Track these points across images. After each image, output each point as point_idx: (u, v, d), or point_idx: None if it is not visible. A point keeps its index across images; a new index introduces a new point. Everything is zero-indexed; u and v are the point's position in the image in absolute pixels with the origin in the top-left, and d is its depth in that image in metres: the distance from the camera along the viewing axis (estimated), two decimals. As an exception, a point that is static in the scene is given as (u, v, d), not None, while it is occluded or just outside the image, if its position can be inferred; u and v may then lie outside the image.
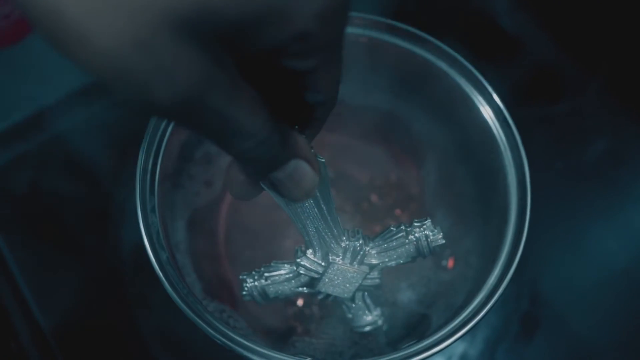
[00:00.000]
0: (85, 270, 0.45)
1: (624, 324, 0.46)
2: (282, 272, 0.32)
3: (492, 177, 0.36)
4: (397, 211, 0.45)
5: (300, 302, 0.42)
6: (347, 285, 0.31)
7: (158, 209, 0.34)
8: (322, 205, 0.29)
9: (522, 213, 0.33)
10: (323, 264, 0.31)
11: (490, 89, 0.37)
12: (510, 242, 0.33)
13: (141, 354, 0.43)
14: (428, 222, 0.32)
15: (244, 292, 0.33)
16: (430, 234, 0.31)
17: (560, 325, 0.45)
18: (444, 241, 0.31)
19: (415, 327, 0.38)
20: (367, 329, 0.34)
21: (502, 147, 0.36)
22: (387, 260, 0.32)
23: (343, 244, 0.31)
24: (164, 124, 0.35)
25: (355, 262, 0.31)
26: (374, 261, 0.32)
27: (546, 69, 0.54)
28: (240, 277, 0.33)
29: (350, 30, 0.38)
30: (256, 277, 0.33)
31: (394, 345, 0.36)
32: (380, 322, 0.34)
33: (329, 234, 0.30)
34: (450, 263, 0.41)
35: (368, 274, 0.32)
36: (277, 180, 0.24)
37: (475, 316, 0.31)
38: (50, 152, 0.49)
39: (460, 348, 0.43)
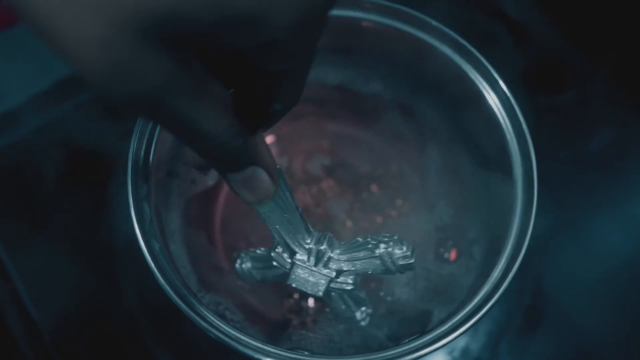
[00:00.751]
0: (80, 264, 0.45)
1: (628, 317, 0.45)
2: (265, 258, 0.32)
3: (497, 166, 0.36)
4: (398, 201, 0.44)
5: (296, 295, 0.41)
6: (315, 285, 0.31)
7: (151, 198, 0.33)
8: (284, 210, 0.29)
9: (528, 204, 0.33)
10: (289, 261, 0.31)
11: (496, 75, 0.35)
12: (515, 234, 0.32)
13: (136, 347, 0.42)
14: (395, 238, 0.30)
15: (237, 271, 0.34)
16: (398, 252, 0.30)
17: (564, 319, 0.44)
18: (412, 260, 0.30)
19: (416, 321, 0.38)
20: (350, 322, 0.34)
21: (508, 136, 0.35)
22: (353, 269, 0.31)
23: (307, 247, 0.30)
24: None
25: (320, 265, 0.31)
26: (343, 267, 0.31)
27: (551, 57, 0.53)
28: (233, 254, 0.34)
29: (351, 13, 0.38)
30: (244, 260, 0.33)
31: (394, 340, 0.36)
32: (359, 318, 0.33)
33: (292, 236, 0.30)
34: (452, 255, 0.41)
35: (335, 278, 0.31)
36: (233, 181, 0.25)
37: (479, 310, 0.30)
38: (42, 139, 0.48)
39: (461, 342, 0.43)
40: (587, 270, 0.46)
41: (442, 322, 0.30)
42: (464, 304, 0.31)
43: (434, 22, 0.37)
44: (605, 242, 0.47)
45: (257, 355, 0.28)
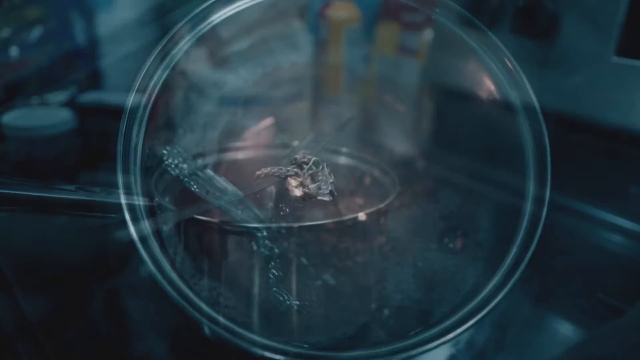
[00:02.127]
0: (73, 250, 0.44)
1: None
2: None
3: (507, 147, 0.34)
4: (401, 187, 0.43)
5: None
6: None
7: (143, 181, 0.32)
8: None
9: (541, 187, 0.31)
10: None
11: (505, 51, 0.34)
12: (528, 219, 0.30)
13: (127, 338, 0.41)
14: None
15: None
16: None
17: (572, 310, 0.43)
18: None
19: (420, 314, 0.36)
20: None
21: (519, 116, 0.33)
22: None
23: None
24: (147, 92, 0.33)
25: None
26: None
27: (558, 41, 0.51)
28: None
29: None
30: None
31: (396, 333, 0.34)
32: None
33: None
34: (458, 244, 0.39)
35: None
36: None
37: (490, 302, 0.28)
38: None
39: (466, 334, 0.41)
40: (596, 259, 0.45)
41: (449, 315, 0.29)
42: (471, 296, 0.30)
43: (442, -2, 0.35)
44: (614, 230, 0.46)
45: (253, 349, 0.27)
